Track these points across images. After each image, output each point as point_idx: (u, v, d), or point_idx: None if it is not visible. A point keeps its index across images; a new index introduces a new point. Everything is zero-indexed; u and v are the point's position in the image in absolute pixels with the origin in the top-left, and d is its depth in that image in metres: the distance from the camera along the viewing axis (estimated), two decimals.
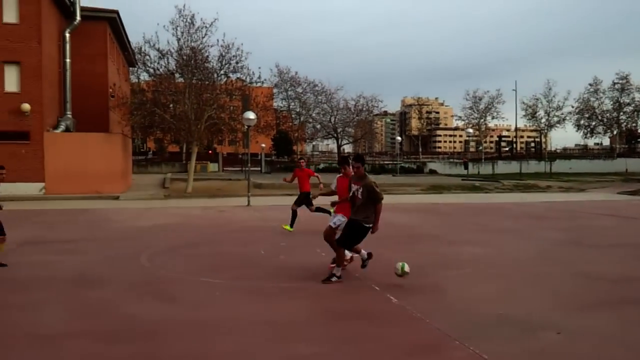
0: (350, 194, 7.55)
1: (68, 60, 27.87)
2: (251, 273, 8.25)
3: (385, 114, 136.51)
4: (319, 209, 13.19)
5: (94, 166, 25.29)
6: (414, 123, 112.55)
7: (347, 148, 65.94)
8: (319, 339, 5.22)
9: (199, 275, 8.05)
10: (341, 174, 8.72)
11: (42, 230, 13.31)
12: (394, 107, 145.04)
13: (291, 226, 12.90)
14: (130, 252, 10.02)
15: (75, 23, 28.30)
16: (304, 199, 13.20)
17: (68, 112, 27.85)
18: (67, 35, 27.97)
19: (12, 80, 24.93)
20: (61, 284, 7.48)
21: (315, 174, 13.78)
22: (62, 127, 26.87)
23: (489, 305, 6.42)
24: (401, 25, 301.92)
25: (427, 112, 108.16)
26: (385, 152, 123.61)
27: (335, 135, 35.75)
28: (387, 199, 25.02)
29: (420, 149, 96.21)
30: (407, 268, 7.15)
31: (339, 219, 8.14)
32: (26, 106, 24.52)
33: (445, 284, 7.56)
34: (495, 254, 10.12)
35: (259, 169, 52.98)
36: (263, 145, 55.61)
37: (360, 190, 7.41)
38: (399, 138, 71.74)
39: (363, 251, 7.98)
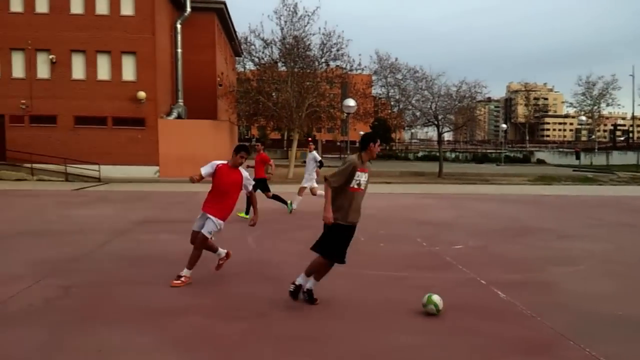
0: (353, 185, 5.61)
1: (179, 50, 29.51)
2: (352, 260, 8.26)
3: (489, 100, 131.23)
4: (276, 197, 13.10)
5: (203, 151, 26.59)
6: (520, 110, 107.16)
7: (447, 135, 64.39)
8: (426, 330, 5.15)
9: (301, 259, 8.22)
10: (225, 162, 6.94)
11: (157, 211, 14.26)
12: (498, 93, 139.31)
13: (246, 213, 12.52)
14: (238, 234, 10.46)
15: (186, 14, 29.84)
16: (259, 185, 12.83)
17: (180, 100, 29.56)
18: (179, 26, 29.57)
19: (129, 70, 26.87)
20: (175, 262, 7.96)
21: (271, 161, 13.35)
22: (175, 114, 28.57)
23: (605, 305, 6.01)
24: (510, 5, 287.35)
25: (534, 98, 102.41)
26: (488, 140, 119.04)
27: (435, 122, 34.78)
28: (490, 189, 24.32)
29: (527, 137, 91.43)
30: (437, 302, 5.52)
31: (213, 226, 6.73)
32: (142, 94, 26.33)
33: (557, 280, 7.16)
34: (612, 249, 9.43)
35: None
36: (361, 132, 55.59)
37: (366, 179, 5.74)
38: (504, 125, 68.88)
39: (221, 250, 7.03)
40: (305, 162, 14.40)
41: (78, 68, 26.59)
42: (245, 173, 6.88)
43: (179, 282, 6.57)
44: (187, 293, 6.32)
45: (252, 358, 4.43)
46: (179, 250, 8.83)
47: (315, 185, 13.65)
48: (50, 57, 26.18)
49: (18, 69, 26.43)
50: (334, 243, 5.73)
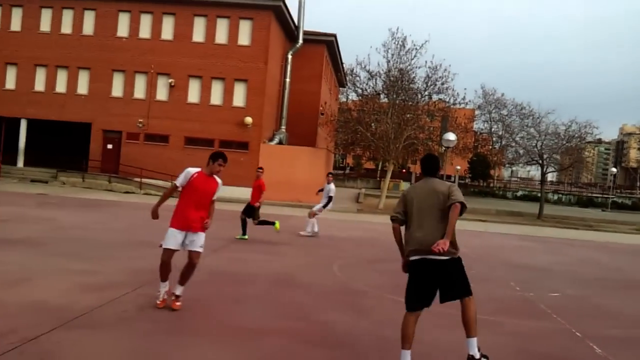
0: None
1: (288, 79, 30.76)
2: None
3: (600, 142, 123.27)
4: (262, 222, 12.86)
5: (299, 177, 27.38)
6: (633, 154, 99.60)
7: (551, 176, 61.06)
8: None
9: (386, 291, 8.18)
10: (200, 170, 6.43)
11: (250, 231, 14.80)
12: (610, 135, 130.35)
13: (244, 234, 12.78)
14: (324, 260, 10.61)
15: (298, 46, 31.09)
16: (249, 211, 12.75)
17: (282, 127, 30.70)
18: (290, 57, 30.84)
19: (239, 96, 28.39)
20: (264, 282, 8.23)
21: (265, 189, 13.11)
22: (277, 139, 29.66)
23: None
24: (625, 43, 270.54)
25: None
26: (595, 183, 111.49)
27: (540, 161, 33.29)
28: (593, 236, 22.72)
29: (638, 184, 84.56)
30: None
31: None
32: (249, 119, 27.65)
33: None
34: None
35: None
36: (458, 167, 54.34)
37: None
38: (613, 169, 64.29)
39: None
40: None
41: (194, 92, 28.55)
42: (220, 181, 6.46)
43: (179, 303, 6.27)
44: (272, 315, 6.49)
45: None
46: (268, 270, 9.13)
47: (316, 208, 14.53)
48: (170, 81, 28.34)
49: (140, 90, 28.82)
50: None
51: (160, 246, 6.28)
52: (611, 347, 6.03)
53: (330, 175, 15.15)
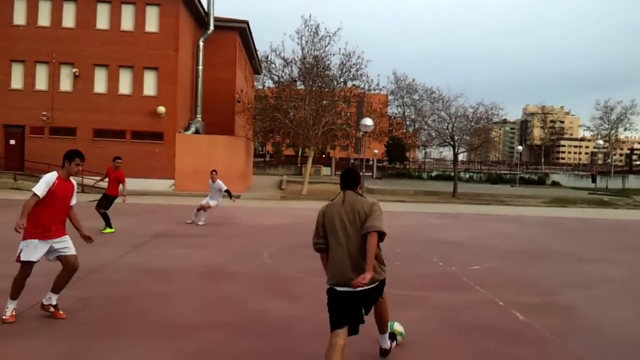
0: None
1: (200, 67, 29.90)
2: None
3: (505, 122, 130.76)
4: (105, 215, 12.25)
5: (219, 166, 26.63)
6: (537, 132, 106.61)
7: (462, 156, 64.10)
8: (447, 351, 5.10)
9: (317, 276, 8.21)
10: (56, 174, 5.74)
11: (172, 225, 14.36)
12: (514, 115, 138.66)
13: (110, 227, 12.21)
14: (252, 249, 10.50)
15: (209, 32, 30.27)
16: (103, 200, 12.43)
17: (198, 116, 29.88)
18: (201, 44, 29.99)
19: (150, 85, 27.26)
20: (192, 277, 8.01)
21: (125, 181, 12.71)
22: (192, 129, 28.86)
23: (626, 329, 5.93)
24: (531, 28, 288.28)
25: (551, 121, 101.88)
26: (502, 161, 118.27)
27: (451, 143, 34.75)
28: (505, 210, 24.08)
29: (542, 160, 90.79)
30: (398, 328, 5.16)
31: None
32: (162, 109, 26.67)
33: (575, 303, 7.06)
34: (631, 275, 9.29)
35: (371, 174, 53.10)
36: (376, 151, 55.67)
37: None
38: (519, 147, 68.39)
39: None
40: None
41: (100, 82, 27.04)
42: (75, 183, 6.02)
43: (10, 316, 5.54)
44: (203, 309, 6.34)
45: None
46: (195, 264, 8.89)
47: (212, 203, 14.58)
48: (74, 70, 26.67)
49: (41, 81, 26.94)
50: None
51: (18, 260, 5.62)
52: (532, 313, 6.42)
53: (214, 173, 14.90)
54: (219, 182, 14.68)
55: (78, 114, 26.57)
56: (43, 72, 26.90)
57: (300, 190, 29.05)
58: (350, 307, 4.12)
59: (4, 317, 5.51)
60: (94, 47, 26.55)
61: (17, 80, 26.90)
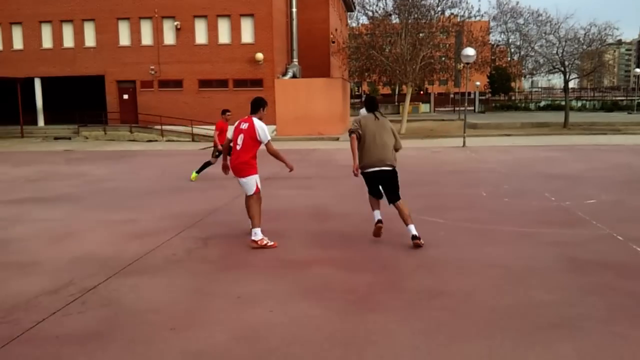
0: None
1: (294, 10, 29.82)
2: (476, 215, 8.16)
3: (620, 43, 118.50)
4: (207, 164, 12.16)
5: (317, 109, 27.14)
6: None
7: (572, 83, 59.35)
8: (561, 287, 4.97)
9: (421, 214, 8.23)
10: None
11: (277, 168, 14.85)
12: (631, 34, 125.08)
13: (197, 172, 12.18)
14: (356, 190, 10.64)
15: None
16: (217, 152, 11.87)
17: (294, 60, 30.09)
18: None
19: (247, 32, 27.74)
20: (300, 216, 8.36)
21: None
22: (290, 74, 29.19)
23: None
24: None
25: None
26: (618, 86, 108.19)
27: (562, 69, 32.31)
28: (622, 140, 22.41)
29: None
30: None
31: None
32: (260, 55, 27.15)
33: None
34: None
35: (473, 108, 51.09)
36: (478, 83, 53.16)
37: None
38: (637, 70, 62.08)
39: None
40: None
41: (201, 33, 27.96)
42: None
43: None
44: (314, 246, 6.62)
45: (380, 308, 4.59)
46: (302, 204, 9.25)
47: None
48: (176, 23, 27.74)
49: (147, 36, 28.35)
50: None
51: (258, 192, 6.67)
52: None
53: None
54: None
55: (183, 66, 27.81)
56: (147, 27, 28.24)
57: (399, 129, 28.66)
58: (379, 182, 6.57)
59: (268, 243, 6.44)
60: None
61: (124, 38, 28.52)
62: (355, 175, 6.55)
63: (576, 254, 6.01)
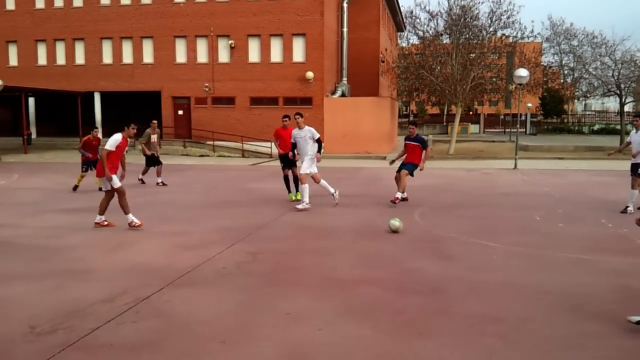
0: None
1: (345, 29, 30.12)
2: (528, 239, 7.94)
3: None
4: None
5: (365, 128, 27.18)
6: None
7: (628, 107, 57.17)
8: (613, 318, 4.78)
9: (472, 236, 8.10)
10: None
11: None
12: None
13: (293, 193, 11.63)
14: (403, 209, 10.57)
15: None
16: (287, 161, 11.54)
17: (344, 79, 30.31)
18: (345, 5, 30.12)
19: (298, 51, 28.17)
20: (348, 234, 8.34)
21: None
22: (339, 92, 29.40)
23: None
24: None
25: None
26: None
27: (617, 92, 31.28)
28: None
29: None
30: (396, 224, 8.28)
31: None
32: (310, 74, 27.49)
33: None
34: None
35: (524, 130, 49.99)
36: (529, 104, 52.01)
37: None
38: None
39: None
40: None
41: (254, 51, 28.59)
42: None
43: None
44: (361, 265, 6.60)
45: (430, 332, 4.52)
46: (350, 222, 9.23)
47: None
48: (230, 42, 28.49)
49: (202, 54, 29.21)
50: None
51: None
52: None
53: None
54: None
55: (236, 84, 28.47)
56: (203, 45, 29.10)
57: (447, 150, 28.34)
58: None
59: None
60: (247, 17, 28.04)
61: (181, 55, 29.46)
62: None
63: (635, 283, 5.76)
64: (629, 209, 10.11)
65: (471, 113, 62.09)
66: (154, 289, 5.52)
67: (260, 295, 5.42)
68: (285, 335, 4.41)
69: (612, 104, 63.60)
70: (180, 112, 29.70)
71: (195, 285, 5.75)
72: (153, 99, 29.78)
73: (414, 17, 29.30)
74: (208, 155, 27.11)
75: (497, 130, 57.57)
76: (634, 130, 10.75)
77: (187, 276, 6.04)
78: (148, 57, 29.93)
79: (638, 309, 4.97)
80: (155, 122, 15.23)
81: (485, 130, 56.83)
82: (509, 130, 48.67)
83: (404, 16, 35.46)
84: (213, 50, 28.83)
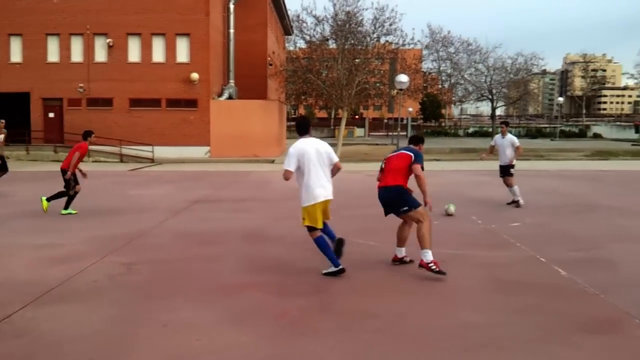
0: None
1: (232, 30, 29.74)
2: (410, 237, 8.26)
3: (544, 72, 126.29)
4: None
5: (253, 131, 27.03)
6: (577, 82, 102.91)
7: (499, 110, 62.33)
8: (487, 307, 5.10)
9: (354, 236, 8.30)
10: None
11: (210, 190, 14.61)
12: (554, 65, 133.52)
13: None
14: (292, 212, 10.57)
15: None
16: None
17: (231, 81, 29.93)
18: (232, 6, 29.74)
19: (182, 52, 27.39)
20: (233, 240, 8.19)
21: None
22: (226, 94, 28.99)
23: None
24: None
25: (592, 69, 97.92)
26: (542, 114, 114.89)
27: (489, 97, 33.97)
28: (545, 165, 23.53)
29: (584, 111, 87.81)
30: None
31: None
32: (195, 75, 26.82)
33: (620, 258, 6.91)
34: None
35: (405, 134, 52.55)
36: (410, 109, 54.80)
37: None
38: (560, 99, 66.29)
39: None
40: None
41: (134, 51, 27.31)
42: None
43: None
44: (246, 270, 6.48)
45: (311, 332, 4.52)
46: (236, 227, 9.07)
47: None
48: (108, 41, 26.98)
49: (77, 53, 27.38)
50: None
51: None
52: (575, 269, 6.33)
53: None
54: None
55: (114, 84, 27.01)
56: (78, 44, 27.31)
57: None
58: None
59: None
60: (127, 15, 26.75)
61: (53, 54, 27.44)
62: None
63: (503, 275, 6.20)
64: (520, 202, 11.01)
65: (357, 117, 64.24)
66: (15, 307, 5.00)
67: (135, 309, 5.11)
68: (161, 349, 4.18)
69: (485, 107, 68.84)
70: (52, 115, 27.63)
71: (63, 300, 5.30)
72: (21, 100, 27.41)
73: (300, 21, 29.68)
74: (82, 161, 25.37)
75: (381, 133, 60.05)
76: (500, 135, 11.67)
77: (55, 291, 5.55)
78: (16, 56, 27.50)
79: (506, 298, 5.35)
80: (3, 121, 13.72)
81: (370, 133, 59.08)
82: (391, 133, 50.90)
83: (291, 20, 35.78)
84: (89, 49, 27.15)
